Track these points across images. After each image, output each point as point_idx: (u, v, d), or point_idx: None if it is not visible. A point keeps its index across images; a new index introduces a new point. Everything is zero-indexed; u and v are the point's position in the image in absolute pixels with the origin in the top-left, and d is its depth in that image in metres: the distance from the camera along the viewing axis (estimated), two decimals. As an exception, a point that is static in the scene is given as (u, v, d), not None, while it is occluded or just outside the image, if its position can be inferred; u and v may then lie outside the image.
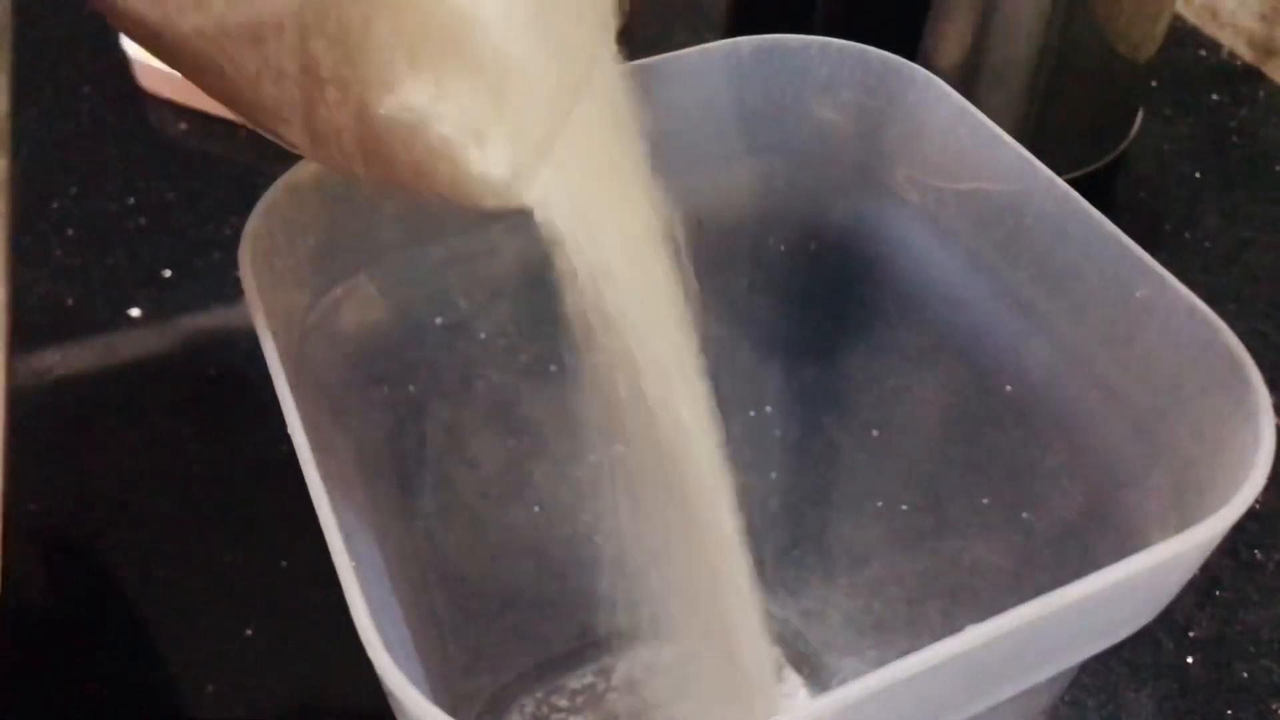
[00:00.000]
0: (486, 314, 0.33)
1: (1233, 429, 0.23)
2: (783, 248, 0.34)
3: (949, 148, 0.30)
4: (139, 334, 0.50)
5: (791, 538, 0.40)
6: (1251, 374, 0.23)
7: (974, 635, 0.20)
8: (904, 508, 0.35)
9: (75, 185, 0.56)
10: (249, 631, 0.40)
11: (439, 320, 0.32)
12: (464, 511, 0.36)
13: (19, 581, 0.42)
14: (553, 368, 0.35)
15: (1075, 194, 0.27)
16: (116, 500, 0.44)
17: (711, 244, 0.34)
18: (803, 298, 0.35)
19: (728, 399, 0.37)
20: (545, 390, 0.35)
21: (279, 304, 0.26)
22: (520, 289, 0.33)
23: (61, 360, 0.49)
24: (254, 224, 0.26)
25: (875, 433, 0.36)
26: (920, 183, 0.31)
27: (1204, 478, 0.24)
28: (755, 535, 0.40)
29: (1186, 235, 0.55)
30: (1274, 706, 0.39)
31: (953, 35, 0.47)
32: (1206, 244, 0.54)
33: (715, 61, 0.31)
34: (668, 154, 0.32)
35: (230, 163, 0.57)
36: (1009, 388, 0.30)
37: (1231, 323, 0.24)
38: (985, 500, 0.32)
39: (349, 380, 0.30)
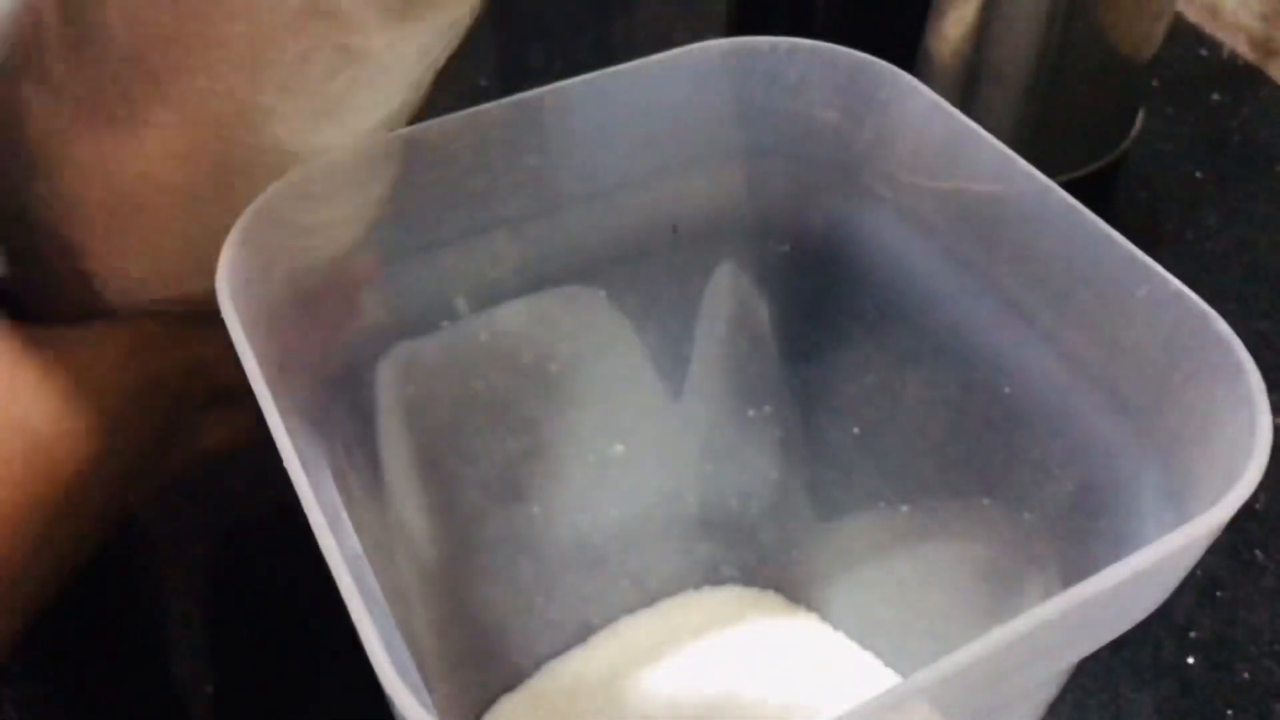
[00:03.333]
0: (487, 317, 0.33)
1: (1227, 418, 0.23)
2: (765, 249, 0.34)
3: (924, 145, 0.30)
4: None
5: (788, 538, 0.40)
6: (1244, 360, 0.23)
7: (970, 652, 0.20)
8: (904, 509, 0.35)
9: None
10: (246, 632, 0.40)
11: (443, 324, 0.32)
12: (462, 512, 0.36)
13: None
14: (552, 367, 0.35)
15: (1056, 187, 0.27)
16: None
17: (691, 247, 0.34)
18: (787, 298, 0.35)
19: (722, 400, 0.37)
20: (545, 391, 0.35)
21: (262, 320, 0.26)
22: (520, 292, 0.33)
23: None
24: (231, 252, 0.26)
25: (856, 430, 0.36)
26: (897, 181, 0.31)
27: (1200, 469, 0.24)
28: (755, 535, 0.40)
29: (1187, 235, 0.55)
30: (1275, 707, 0.39)
31: (953, 34, 0.47)
32: (1207, 244, 0.54)
33: (686, 65, 0.31)
34: (644, 159, 0.32)
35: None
36: (1006, 388, 0.30)
37: (1232, 323, 0.24)
38: (985, 500, 0.32)
39: (342, 381, 0.30)
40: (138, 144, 0.27)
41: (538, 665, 0.39)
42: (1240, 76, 0.64)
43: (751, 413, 0.38)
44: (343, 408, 0.30)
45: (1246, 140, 0.60)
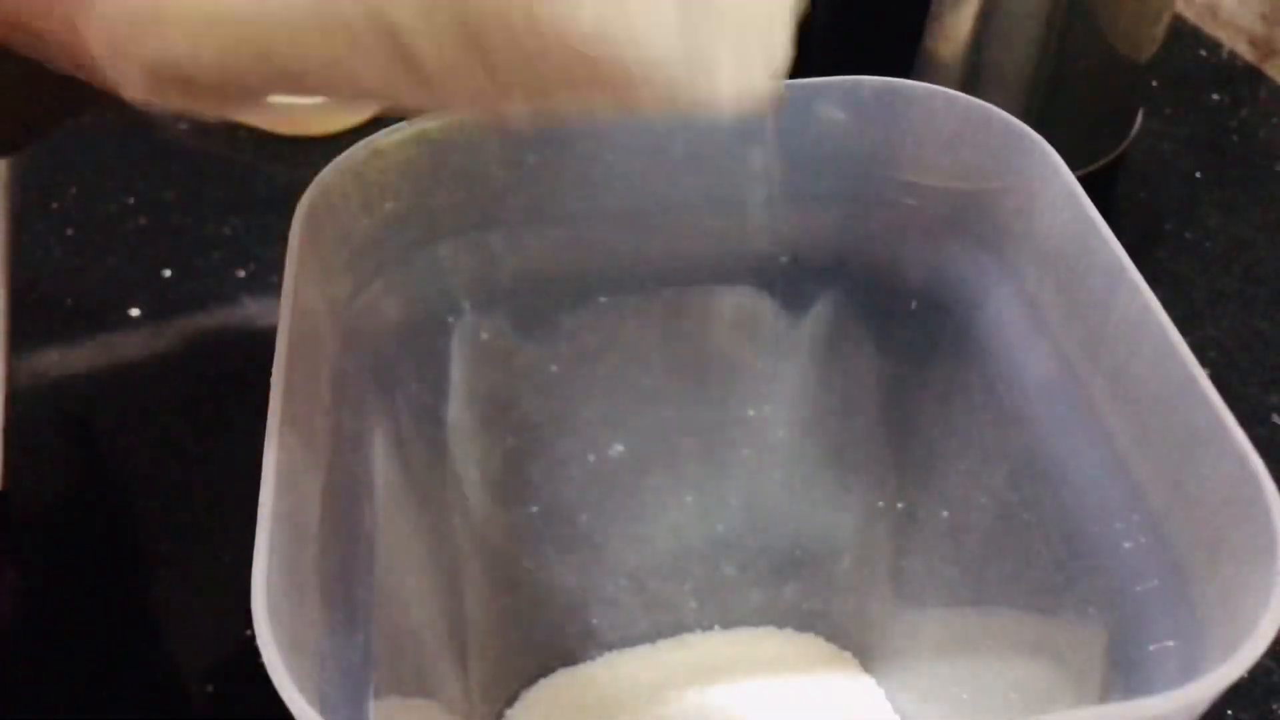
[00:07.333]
0: (488, 315, 0.33)
1: (1259, 594, 0.21)
2: (886, 299, 0.33)
3: (1056, 230, 0.29)
4: (139, 334, 0.50)
5: (860, 591, 0.40)
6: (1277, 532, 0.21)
7: None
8: (964, 601, 0.34)
9: (75, 185, 0.56)
10: (249, 632, 0.40)
11: (449, 318, 0.32)
12: (463, 513, 0.36)
13: (19, 581, 0.42)
14: (553, 368, 0.35)
15: (1159, 308, 0.25)
16: (116, 500, 0.44)
17: (801, 283, 0.34)
18: (895, 355, 0.34)
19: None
20: (545, 390, 0.35)
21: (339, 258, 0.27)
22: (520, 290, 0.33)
23: (61, 360, 0.49)
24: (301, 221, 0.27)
25: (945, 514, 0.35)
26: (1029, 262, 0.30)
27: (1219, 628, 0.22)
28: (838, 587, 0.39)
29: (1186, 235, 0.55)
30: (1274, 707, 0.39)
31: (953, 34, 0.47)
32: (1206, 243, 0.54)
33: (834, 96, 0.30)
34: (770, 182, 0.31)
35: (229, 163, 0.57)
36: (1072, 505, 0.28)
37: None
38: (1026, 620, 0.31)
39: (362, 376, 0.30)
40: None
41: (584, 644, 0.40)
42: (1240, 76, 0.64)
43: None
44: (410, 366, 0.31)
45: (1246, 140, 0.60)
